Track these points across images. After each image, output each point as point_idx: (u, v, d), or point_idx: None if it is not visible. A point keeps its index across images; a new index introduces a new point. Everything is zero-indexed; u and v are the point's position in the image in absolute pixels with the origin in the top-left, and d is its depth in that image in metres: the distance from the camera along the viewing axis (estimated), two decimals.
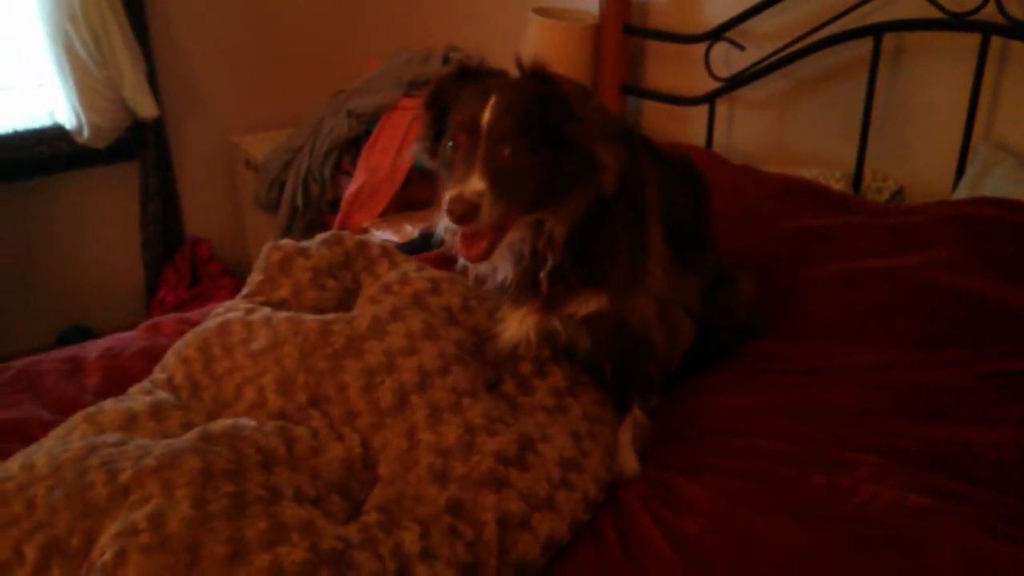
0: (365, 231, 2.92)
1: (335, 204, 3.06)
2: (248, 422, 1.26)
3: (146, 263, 3.41)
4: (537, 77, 1.28)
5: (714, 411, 1.58)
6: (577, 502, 1.29)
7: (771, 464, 1.40)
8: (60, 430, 1.32)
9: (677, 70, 2.53)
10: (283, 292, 1.61)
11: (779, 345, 1.72)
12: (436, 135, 1.35)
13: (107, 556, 1.03)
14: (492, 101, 1.24)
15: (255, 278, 1.66)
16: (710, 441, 1.51)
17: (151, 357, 1.64)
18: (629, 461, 1.46)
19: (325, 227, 2.96)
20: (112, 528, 1.06)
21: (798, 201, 2.00)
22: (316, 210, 3.14)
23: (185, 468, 1.12)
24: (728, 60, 2.36)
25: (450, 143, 1.28)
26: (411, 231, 2.85)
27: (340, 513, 1.20)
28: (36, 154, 3.11)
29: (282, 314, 1.50)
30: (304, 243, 1.71)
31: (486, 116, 1.23)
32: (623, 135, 1.36)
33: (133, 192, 3.33)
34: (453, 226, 1.23)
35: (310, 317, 1.48)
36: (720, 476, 1.39)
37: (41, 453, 1.22)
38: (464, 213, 1.18)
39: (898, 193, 2.10)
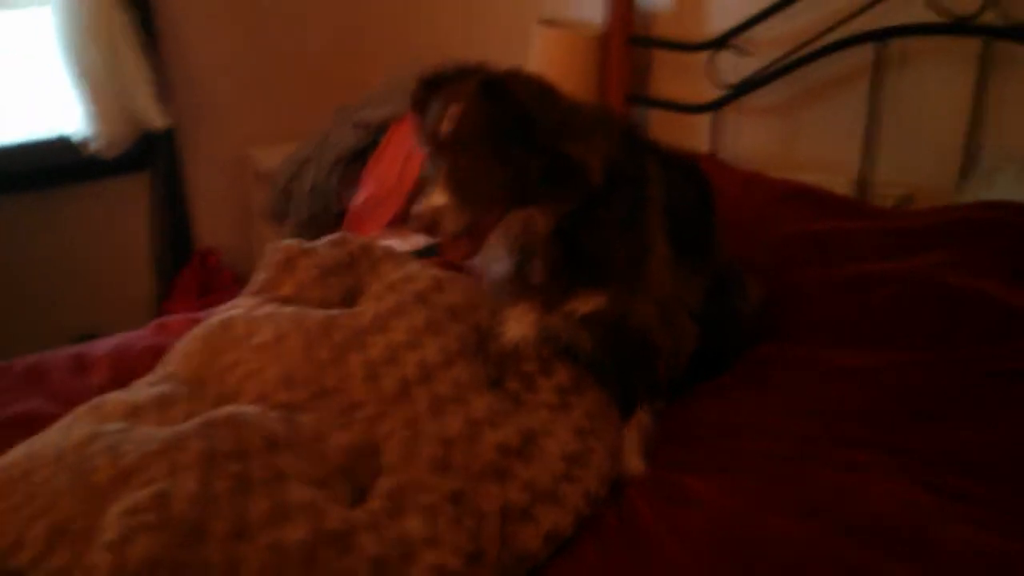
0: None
1: (342, 215, 3.07)
2: (251, 409, 1.27)
3: (157, 273, 3.43)
4: (493, 97, 1.26)
5: (719, 411, 1.57)
6: (580, 496, 1.29)
7: (777, 463, 1.39)
8: (64, 421, 1.33)
9: (682, 79, 2.54)
10: (287, 290, 1.62)
11: (785, 348, 1.72)
12: None
13: (113, 536, 1.03)
14: (451, 112, 1.25)
15: (259, 277, 1.67)
16: (715, 442, 1.49)
17: (158, 354, 1.63)
18: (634, 461, 1.45)
19: None
20: (116, 508, 1.06)
21: (803, 206, 2.01)
22: (323, 221, 3.15)
23: (190, 450, 1.13)
24: (734, 68, 2.37)
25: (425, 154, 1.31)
26: (419, 241, 2.86)
27: (345, 498, 1.20)
28: (45, 165, 3.12)
29: (286, 309, 1.51)
30: (308, 244, 1.72)
31: (445, 127, 1.25)
32: (618, 130, 1.37)
33: (143, 203, 3.35)
34: None
35: (314, 311, 1.49)
36: (726, 475, 1.38)
37: (44, 442, 1.24)
38: (426, 227, 1.23)
39: (904, 200, 2.10)
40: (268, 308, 1.53)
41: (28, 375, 1.67)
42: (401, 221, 2.98)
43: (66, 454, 1.18)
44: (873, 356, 1.62)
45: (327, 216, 3.12)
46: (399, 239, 2.88)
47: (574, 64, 2.60)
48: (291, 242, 1.71)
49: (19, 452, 1.24)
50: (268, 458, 1.17)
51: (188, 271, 3.43)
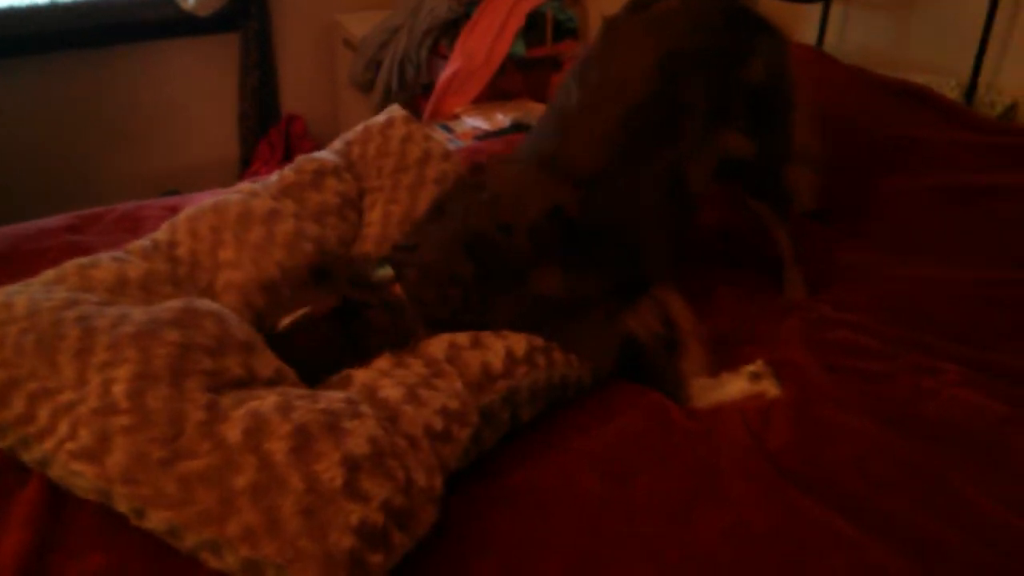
0: (456, 117, 2.92)
1: (429, 88, 3.05)
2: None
3: (241, 135, 3.48)
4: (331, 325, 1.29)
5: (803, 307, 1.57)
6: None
7: (856, 359, 1.39)
8: (51, 275, 1.31)
9: None
10: (311, 206, 1.57)
11: (875, 254, 1.69)
12: None
13: (87, 440, 1.04)
14: (296, 313, 1.30)
15: (288, 176, 1.60)
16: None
17: None
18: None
19: (418, 110, 2.97)
20: (86, 403, 1.07)
21: (907, 108, 1.93)
22: (410, 93, 3.14)
23: (165, 340, 1.11)
24: None
25: None
26: (503, 120, 2.84)
27: None
28: (142, 19, 3.17)
29: (310, 232, 1.49)
30: (336, 162, 1.65)
31: (284, 321, 1.31)
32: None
33: (233, 64, 3.38)
34: None
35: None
36: (798, 369, 1.39)
37: (23, 295, 1.22)
38: None
39: (1012, 108, 2.00)
40: (289, 224, 1.48)
41: (124, 221, 1.73)
42: (487, 98, 2.96)
43: (41, 314, 1.17)
44: (965, 270, 1.59)
45: (414, 88, 3.10)
46: (483, 118, 2.86)
47: None
48: (324, 154, 1.67)
49: None
50: (243, 356, 1.17)
51: (273, 135, 3.47)
